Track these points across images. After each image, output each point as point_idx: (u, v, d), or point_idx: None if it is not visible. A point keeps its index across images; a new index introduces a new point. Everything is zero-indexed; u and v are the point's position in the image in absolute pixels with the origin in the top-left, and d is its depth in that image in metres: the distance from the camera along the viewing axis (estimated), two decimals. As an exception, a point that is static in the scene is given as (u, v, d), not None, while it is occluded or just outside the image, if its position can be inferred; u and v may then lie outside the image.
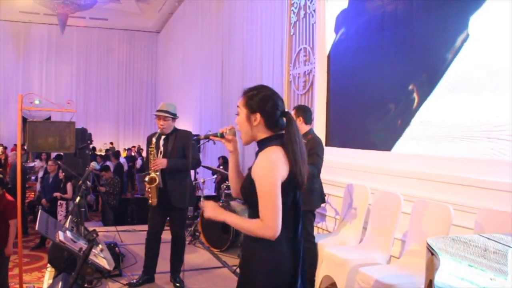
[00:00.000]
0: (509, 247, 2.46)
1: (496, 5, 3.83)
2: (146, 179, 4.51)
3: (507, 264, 2.17)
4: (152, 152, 4.55)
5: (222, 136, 2.32)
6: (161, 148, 4.61)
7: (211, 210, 2.24)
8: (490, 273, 1.97)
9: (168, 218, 4.80)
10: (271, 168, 2.06)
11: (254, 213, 2.14)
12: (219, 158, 10.22)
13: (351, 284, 4.00)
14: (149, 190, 4.54)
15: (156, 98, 21.76)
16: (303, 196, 4.42)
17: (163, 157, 4.56)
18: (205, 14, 13.20)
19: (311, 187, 4.51)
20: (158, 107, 4.66)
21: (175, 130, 4.71)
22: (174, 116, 4.63)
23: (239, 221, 2.17)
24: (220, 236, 6.19)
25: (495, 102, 3.83)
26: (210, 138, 2.38)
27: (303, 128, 4.63)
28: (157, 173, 4.51)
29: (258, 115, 2.17)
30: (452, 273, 1.95)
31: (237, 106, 2.24)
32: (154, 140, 4.60)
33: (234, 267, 5.41)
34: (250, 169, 2.18)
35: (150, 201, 4.58)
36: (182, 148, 4.62)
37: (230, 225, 5.78)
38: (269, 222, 2.02)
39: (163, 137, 4.64)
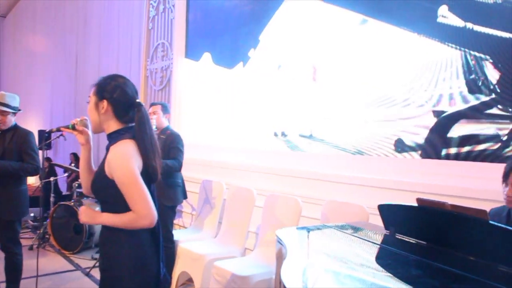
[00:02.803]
0: (349, 234, 2.67)
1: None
2: None
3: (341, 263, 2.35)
4: None
5: (73, 128, 2.20)
6: None
7: (85, 215, 2.12)
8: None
9: None
10: (127, 159, 1.99)
11: (106, 208, 2.08)
12: (70, 155, 9.66)
13: (207, 279, 4.03)
14: None
15: (-1, 90, 19.81)
16: (167, 193, 4.39)
17: None
18: (59, 1, 12.39)
19: (175, 182, 4.49)
20: None
21: (15, 127, 4.03)
22: (14, 110, 4.01)
23: (114, 220, 2.05)
24: (72, 237, 5.88)
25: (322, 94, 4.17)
26: (61, 130, 2.24)
27: (165, 123, 4.59)
28: None
29: (105, 102, 2.10)
30: (298, 269, 2.06)
31: (89, 96, 2.16)
32: None
33: (87, 269, 5.18)
34: (102, 163, 2.09)
35: None
36: (20, 149, 3.97)
37: (83, 226, 5.52)
38: (143, 211, 1.97)
39: None
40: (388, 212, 2.49)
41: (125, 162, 1.98)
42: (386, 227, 2.52)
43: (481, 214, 2.03)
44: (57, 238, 6.06)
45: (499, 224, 1.99)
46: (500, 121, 3.08)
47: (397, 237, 2.41)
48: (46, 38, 13.52)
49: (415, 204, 2.32)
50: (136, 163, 2.02)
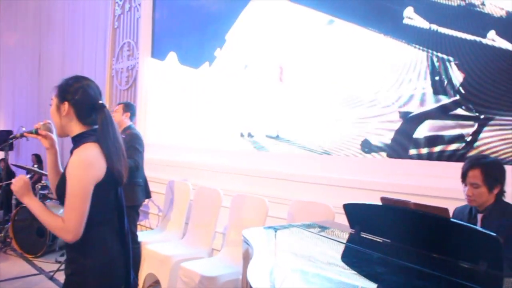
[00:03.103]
0: (315, 233, 2.68)
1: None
2: None
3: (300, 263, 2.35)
4: None
5: (36, 132, 2.13)
6: None
7: (19, 187, 1.99)
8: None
9: None
10: (83, 168, 1.90)
11: None
12: (32, 156, 9.43)
13: (174, 280, 3.98)
14: None
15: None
16: (126, 192, 4.29)
17: None
18: (21, -2, 12.09)
19: (135, 182, 4.38)
20: None
21: None
22: None
23: (41, 213, 1.94)
24: (35, 241, 5.71)
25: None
26: (25, 136, 2.17)
27: (126, 123, 4.49)
28: None
29: (66, 104, 2.01)
30: (265, 269, 2.05)
31: (51, 98, 2.08)
32: None
33: (51, 273, 5.05)
34: (65, 168, 2.01)
35: None
36: None
37: (47, 229, 5.38)
38: (71, 226, 1.87)
39: None
40: (353, 211, 2.51)
41: (79, 172, 1.90)
42: (352, 226, 2.54)
43: (442, 212, 2.06)
44: (19, 242, 5.89)
45: (460, 222, 2.03)
46: (464, 122, 3.13)
47: (362, 235, 2.42)
48: (7, 34, 13.16)
49: (380, 203, 2.34)
50: (94, 172, 1.94)
